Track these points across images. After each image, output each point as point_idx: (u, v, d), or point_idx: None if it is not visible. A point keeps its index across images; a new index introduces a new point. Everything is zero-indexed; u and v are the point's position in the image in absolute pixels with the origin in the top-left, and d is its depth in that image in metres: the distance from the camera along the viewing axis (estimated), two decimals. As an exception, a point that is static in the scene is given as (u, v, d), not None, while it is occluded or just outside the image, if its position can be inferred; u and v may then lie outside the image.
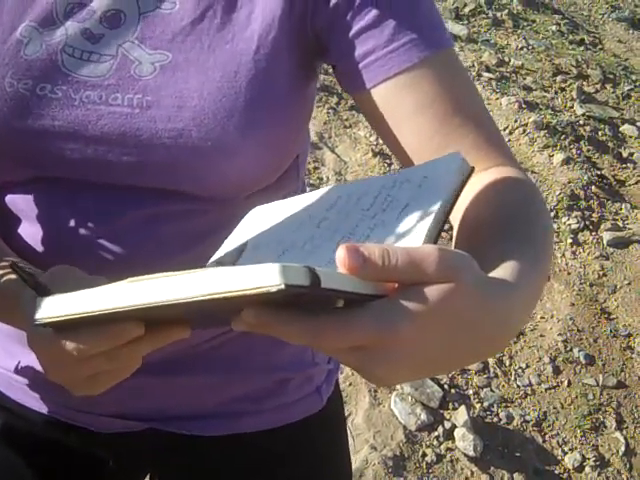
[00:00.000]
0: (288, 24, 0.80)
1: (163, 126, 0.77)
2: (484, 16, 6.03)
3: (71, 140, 0.79)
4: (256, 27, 0.79)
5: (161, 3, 0.80)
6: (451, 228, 0.76)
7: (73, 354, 0.60)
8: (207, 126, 0.77)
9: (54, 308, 0.55)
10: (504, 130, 4.03)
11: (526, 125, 4.04)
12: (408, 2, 0.80)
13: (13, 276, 0.74)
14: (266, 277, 0.44)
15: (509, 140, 3.97)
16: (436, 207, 0.58)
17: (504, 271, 0.58)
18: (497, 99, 4.35)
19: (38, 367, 0.71)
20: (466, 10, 6.14)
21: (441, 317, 0.50)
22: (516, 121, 4.09)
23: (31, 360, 0.91)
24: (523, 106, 4.26)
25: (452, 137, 0.78)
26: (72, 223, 0.83)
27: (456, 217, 0.75)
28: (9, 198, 0.86)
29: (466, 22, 5.89)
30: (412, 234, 0.58)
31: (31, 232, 0.85)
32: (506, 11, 6.23)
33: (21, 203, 0.85)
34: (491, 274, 0.57)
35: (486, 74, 4.66)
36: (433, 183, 0.62)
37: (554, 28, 6.07)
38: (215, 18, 0.79)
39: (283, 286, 0.43)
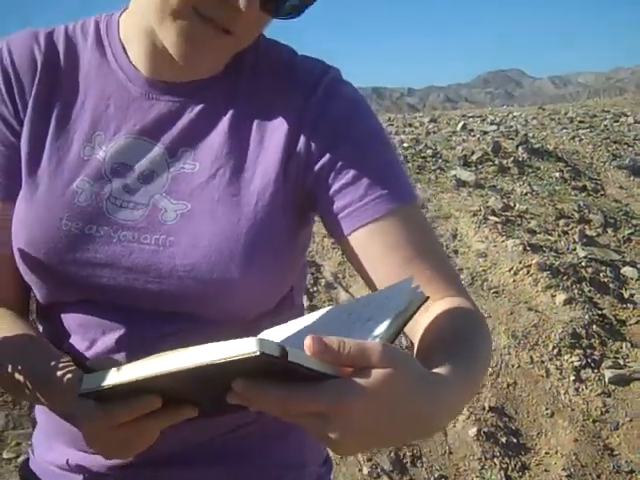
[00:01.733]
0: (283, 184, 1.00)
1: (180, 261, 0.95)
2: (491, 163, 6.44)
3: (108, 269, 0.99)
4: (257, 185, 0.99)
5: (185, 164, 1.02)
6: (412, 345, 0.96)
7: (107, 421, 0.78)
8: (214, 263, 0.95)
9: (94, 382, 0.76)
10: (509, 271, 4.26)
11: (530, 266, 4.28)
12: (379, 164, 1.00)
13: (65, 370, 0.94)
14: (247, 346, 0.61)
15: (514, 280, 4.19)
16: (388, 320, 0.77)
17: (442, 369, 0.78)
18: (503, 241, 4.61)
19: (85, 462, 0.89)
20: (474, 158, 6.56)
21: (382, 394, 0.66)
22: (520, 262, 4.33)
23: (80, 458, 1.08)
24: (527, 248, 4.51)
25: (413, 273, 0.96)
26: (104, 337, 1.01)
27: (416, 336, 0.94)
28: (58, 315, 1.06)
29: (474, 169, 6.28)
30: (370, 337, 0.76)
31: (75, 342, 1.04)
32: (512, 159, 6.65)
33: (67, 319, 1.05)
34: (432, 371, 0.77)
35: (492, 218, 4.95)
36: (389, 302, 0.82)
37: (557, 175, 6.45)
38: (224, 176, 0.99)
39: (259, 353, 0.60)
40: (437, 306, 0.95)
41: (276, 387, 0.65)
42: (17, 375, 0.96)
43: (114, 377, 0.73)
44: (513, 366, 3.53)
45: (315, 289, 3.87)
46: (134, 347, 0.98)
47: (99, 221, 0.99)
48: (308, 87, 1.02)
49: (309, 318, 0.93)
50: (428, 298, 0.83)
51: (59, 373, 0.91)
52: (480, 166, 6.41)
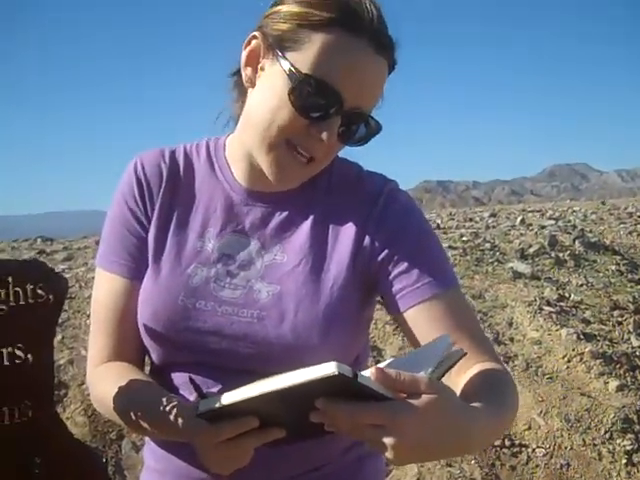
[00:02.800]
0: (353, 271, 1.22)
1: (271, 331, 1.18)
2: (547, 256, 6.65)
3: (213, 336, 1.20)
4: (333, 272, 1.22)
5: (276, 256, 1.24)
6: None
7: (215, 436, 0.98)
8: (298, 333, 1.17)
9: (207, 404, 0.96)
10: (562, 358, 4.44)
11: (583, 354, 4.44)
12: (428, 257, 1.24)
13: (178, 402, 1.12)
14: (327, 368, 0.81)
15: (567, 367, 4.37)
16: (432, 365, 0.97)
17: (476, 404, 1.01)
18: (557, 330, 4.80)
19: None
20: (531, 250, 6.79)
21: (429, 413, 0.87)
22: (574, 350, 4.50)
23: None
24: (581, 337, 4.68)
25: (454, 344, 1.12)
26: (207, 392, 1.19)
27: (457, 388, 1.16)
28: (169, 374, 1.26)
29: (530, 261, 6.50)
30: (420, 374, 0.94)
31: (183, 395, 1.22)
32: (568, 252, 6.83)
33: (177, 377, 1.25)
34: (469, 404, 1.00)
35: (547, 308, 5.15)
36: (432, 352, 1.02)
37: (613, 268, 6.60)
38: (307, 265, 1.23)
39: (337, 372, 0.80)
40: (473, 369, 1.18)
41: (348, 404, 0.88)
42: (140, 413, 1.17)
43: (223, 400, 0.95)
44: (566, 448, 3.68)
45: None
46: None
47: (207, 298, 1.23)
48: (372, 196, 1.28)
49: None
50: (466, 354, 1.07)
51: (174, 403, 1.12)
52: (537, 259, 6.62)
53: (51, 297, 1.12)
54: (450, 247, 6.95)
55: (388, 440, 0.88)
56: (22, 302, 1.09)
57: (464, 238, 7.59)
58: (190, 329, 1.21)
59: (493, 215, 10.84)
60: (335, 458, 1.29)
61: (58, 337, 4.18)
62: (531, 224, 9.03)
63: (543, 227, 8.53)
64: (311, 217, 1.28)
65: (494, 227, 9.01)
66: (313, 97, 1.12)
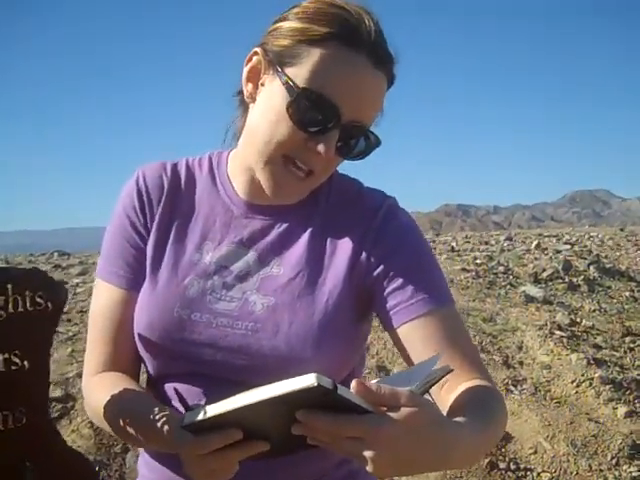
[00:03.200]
0: (348, 285, 1.23)
1: (265, 343, 1.18)
2: (561, 281, 6.62)
3: (208, 347, 1.21)
4: (328, 286, 1.23)
5: (273, 268, 1.25)
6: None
7: (201, 448, 0.97)
8: (292, 344, 1.17)
9: (192, 417, 0.96)
10: (572, 382, 4.41)
11: (593, 379, 4.41)
12: (423, 274, 1.24)
13: (166, 413, 1.13)
14: (307, 379, 0.82)
15: (576, 392, 4.34)
16: (418, 381, 0.98)
17: (460, 419, 1.01)
18: (567, 355, 4.77)
19: None
20: (544, 275, 6.76)
21: (408, 426, 0.87)
22: (583, 375, 4.46)
23: None
24: (592, 362, 4.64)
25: (446, 360, 1.14)
26: (200, 402, 1.19)
27: (444, 408, 1.18)
28: (164, 384, 1.27)
29: (543, 285, 6.48)
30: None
31: (177, 405, 1.21)
32: (582, 277, 6.80)
33: (171, 388, 1.24)
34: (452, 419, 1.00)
35: (558, 332, 5.12)
36: (421, 370, 1.03)
37: (628, 294, 6.55)
38: (303, 278, 1.23)
39: (316, 384, 0.81)
40: (462, 386, 1.18)
41: (327, 415, 0.88)
42: (129, 423, 1.18)
43: (206, 412, 0.96)
44: (572, 473, 3.64)
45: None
46: None
47: (202, 310, 1.24)
48: (371, 212, 1.29)
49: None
50: (452, 370, 1.08)
51: (163, 414, 1.13)
52: (550, 283, 6.60)
53: (50, 305, 1.16)
54: (463, 269, 6.95)
55: (367, 453, 0.88)
56: (21, 309, 1.12)
57: (478, 261, 7.58)
58: (185, 340, 1.22)
59: (509, 239, 10.81)
60: (326, 473, 1.29)
61: (68, 350, 4.23)
62: (546, 248, 8.99)
63: (558, 252, 8.49)
64: (309, 230, 1.29)
65: (509, 250, 8.98)
66: (311, 111, 1.14)
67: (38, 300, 1.15)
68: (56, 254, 10.42)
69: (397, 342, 1.25)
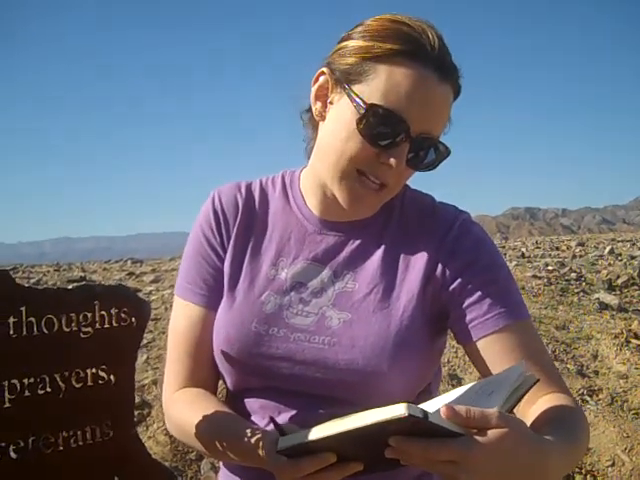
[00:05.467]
0: (423, 299, 1.24)
1: (341, 357, 1.20)
2: (636, 288, 6.42)
3: (285, 361, 1.23)
4: (403, 300, 1.24)
5: (348, 284, 1.27)
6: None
7: (296, 471, 1.00)
8: (368, 358, 1.18)
9: (287, 442, 0.99)
10: (649, 392, 4.28)
11: (673, 389, 4.28)
12: (499, 288, 1.24)
13: (261, 435, 1.15)
14: (398, 410, 0.83)
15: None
16: (505, 394, 0.97)
17: (548, 436, 1.01)
18: (645, 364, 4.63)
19: None
20: (619, 282, 6.56)
21: (500, 447, 0.89)
22: (662, 386, 4.33)
23: None
24: (670, 371, 4.51)
25: None
26: (279, 417, 1.24)
27: (527, 422, 1.15)
28: (243, 399, 1.30)
29: (618, 292, 6.29)
30: (490, 406, 0.94)
31: (256, 419, 1.27)
32: (659, 284, 6.58)
33: (250, 402, 1.28)
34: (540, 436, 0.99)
35: (635, 341, 4.97)
36: (505, 381, 1.01)
37: None
38: (378, 293, 1.25)
39: (407, 414, 0.82)
40: (543, 400, 1.19)
41: (420, 441, 0.89)
42: (220, 441, 1.21)
43: (300, 438, 0.98)
44: (651, 487, 3.54)
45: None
46: (300, 424, 1.18)
47: (279, 324, 1.26)
48: (445, 227, 1.29)
49: (449, 395, 1.15)
50: (538, 380, 1.06)
51: (256, 436, 1.16)
52: (625, 290, 6.40)
53: (134, 321, 1.19)
54: (534, 276, 6.81)
55: (461, 475, 0.90)
56: (107, 325, 1.16)
57: (549, 267, 7.41)
58: (263, 355, 1.25)
59: (581, 244, 10.55)
60: None
61: (143, 357, 4.33)
62: (620, 254, 8.74)
63: (633, 257, 8.24)
64: (383, 246, 1.31)
65: (581, 256, 8.76)
66: (380, 126, 1.16)
67: (123, 316, 1.18)
68: (129, 261, 10.72)
69: (472, 355, 1.26)
